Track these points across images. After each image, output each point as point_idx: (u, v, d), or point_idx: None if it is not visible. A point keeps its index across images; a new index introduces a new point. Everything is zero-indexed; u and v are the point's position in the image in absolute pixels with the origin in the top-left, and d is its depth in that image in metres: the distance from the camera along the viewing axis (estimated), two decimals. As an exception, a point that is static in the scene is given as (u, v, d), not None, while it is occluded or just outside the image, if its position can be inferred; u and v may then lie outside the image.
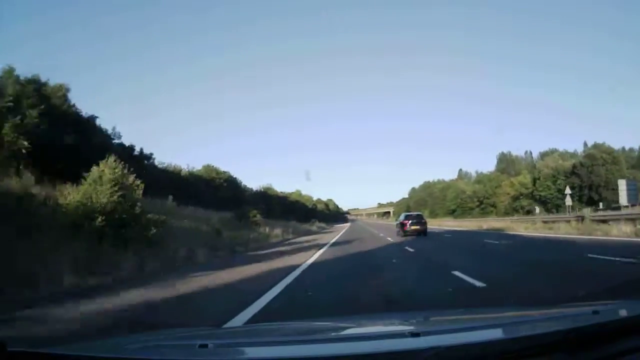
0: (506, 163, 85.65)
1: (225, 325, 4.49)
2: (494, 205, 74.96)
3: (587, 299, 4.25)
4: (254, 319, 4.89)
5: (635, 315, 1.66)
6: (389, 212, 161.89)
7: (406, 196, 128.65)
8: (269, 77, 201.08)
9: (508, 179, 74.78)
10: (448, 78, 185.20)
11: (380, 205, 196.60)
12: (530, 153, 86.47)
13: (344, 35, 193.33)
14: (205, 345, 1.58)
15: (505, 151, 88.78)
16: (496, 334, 1.78)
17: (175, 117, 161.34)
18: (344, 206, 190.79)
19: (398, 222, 29.15)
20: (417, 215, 28.33)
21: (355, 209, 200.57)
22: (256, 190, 54.57)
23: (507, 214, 63.48)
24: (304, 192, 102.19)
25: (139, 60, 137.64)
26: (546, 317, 2.15)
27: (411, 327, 1.88)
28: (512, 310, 3.01)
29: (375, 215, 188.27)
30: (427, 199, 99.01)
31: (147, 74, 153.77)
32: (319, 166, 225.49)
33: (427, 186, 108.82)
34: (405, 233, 25.21)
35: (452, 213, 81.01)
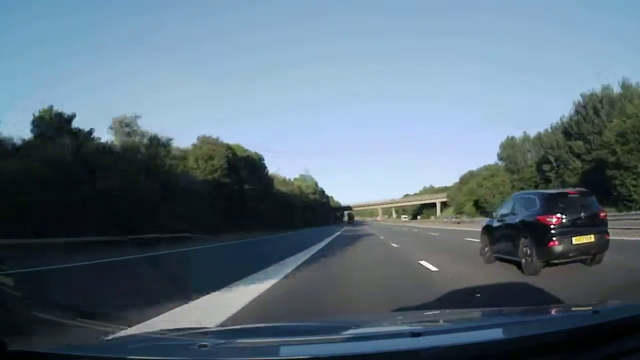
0: None
1: (225, 326, 4.49)
2: None
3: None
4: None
5: (635, 315, 1.66)
6: (434, 205, 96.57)
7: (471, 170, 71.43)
8: (269, 81, 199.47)
9: None
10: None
11: (404, 197, 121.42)
12: None
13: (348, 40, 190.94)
14: (205, 345, 1.58)
15: None
16: (496, 334, 1.78)
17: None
18: (346, 201, 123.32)
19: (507, 219, 9.18)
20: (582, 194, 8.36)
21: (365, 204, 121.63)
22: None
23: None
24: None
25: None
26: (546, 317, 2.16)
27: (412, 327, 1.88)
28: (512, 310, 3.01)
29: (394, 212, 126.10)
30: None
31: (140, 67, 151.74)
32: (323, 167, 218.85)
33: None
34: (552, 256, 7.58)
35: None
